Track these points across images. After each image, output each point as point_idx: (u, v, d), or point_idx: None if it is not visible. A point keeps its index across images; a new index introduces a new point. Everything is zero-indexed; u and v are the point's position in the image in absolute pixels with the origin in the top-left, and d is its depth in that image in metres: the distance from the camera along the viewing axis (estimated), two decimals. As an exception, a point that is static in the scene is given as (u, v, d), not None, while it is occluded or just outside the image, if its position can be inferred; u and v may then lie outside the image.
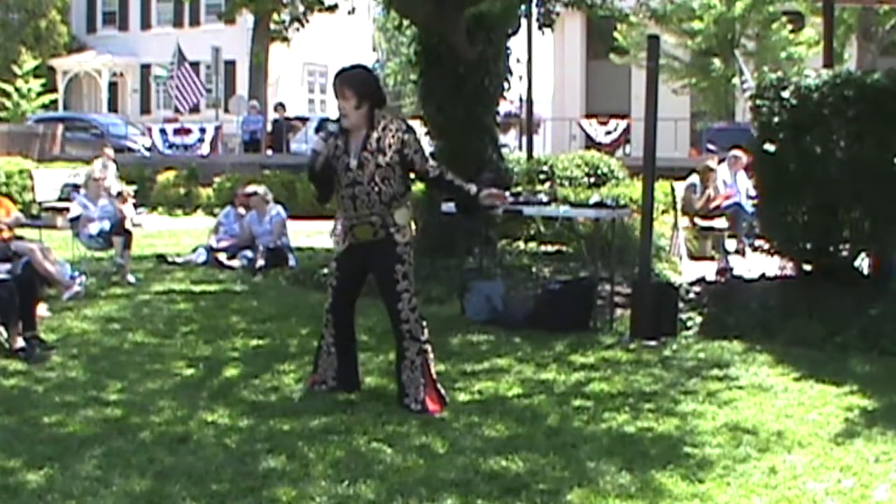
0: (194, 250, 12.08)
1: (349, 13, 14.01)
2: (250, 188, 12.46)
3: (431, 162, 5.78)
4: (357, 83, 5.68)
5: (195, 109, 27.30)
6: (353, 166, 5.64)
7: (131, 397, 5.96)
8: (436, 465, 4.74)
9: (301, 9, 12.29)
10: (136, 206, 17.70)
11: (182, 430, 5.29)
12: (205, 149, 24.27)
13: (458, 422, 5.44)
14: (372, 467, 4.68)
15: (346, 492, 4.38)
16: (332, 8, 12.85)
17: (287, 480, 4.52)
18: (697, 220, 12.10)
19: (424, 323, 5.73)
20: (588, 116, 27.27)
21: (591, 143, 24.31)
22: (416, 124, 11.22)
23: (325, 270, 10.24)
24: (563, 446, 5.00)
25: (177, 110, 28.23)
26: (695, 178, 12.26)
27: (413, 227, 5.86)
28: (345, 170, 5.67)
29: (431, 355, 5.75)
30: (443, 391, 5.74)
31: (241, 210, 12.17)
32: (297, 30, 12.58)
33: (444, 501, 4.29)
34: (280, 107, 27.66)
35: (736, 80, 17.97)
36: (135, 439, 5.10)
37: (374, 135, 5.65)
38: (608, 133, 24.54)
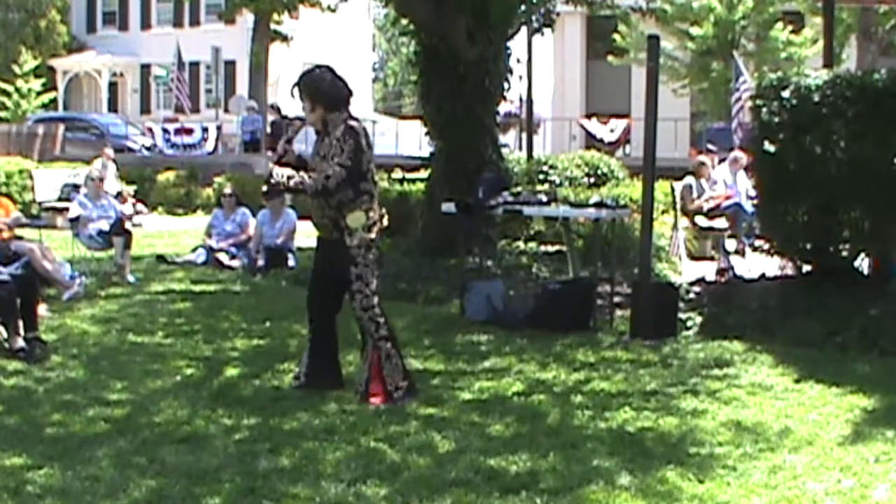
0: (194, 250, 12.09)
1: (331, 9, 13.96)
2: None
3: (334, 171, 5.58)
4: (307, 87, 5.80)
5: (182, 111, 27.32)
6: (311, 169, 5.78)
7: (132, 397, 5.96)
8: (437, 464, 4.74)
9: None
10: (135, 205, 17.70)
11: (183, 429, 5.30)
12: (209, 145, 24.28)
13: (459, 421, 5.45)
14: (373, 467, 4.69)
15: (347, 491, 4.39)
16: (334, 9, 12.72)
17: (288, 480, 4.52)
18: (697, 220, 12.10)
19: (381, 321, 5.80)
20: (588, 116, 27.26)
21: (592, 141, 24.31)
22: (416, 124, 11.26)
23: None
24: (564, 445, 5.00)
25: (177, 110, 28.23)
26: (690, 179, 12.28)
27: (376, 226, 5.78)
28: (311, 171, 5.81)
29: (388, 353, 5.79)
30: (391, 388, 5.77)
31: (261, 211, 12.08)
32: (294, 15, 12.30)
33: (445, 501, 4.30)
34: (274, 108, 27.64)
35: (732, 84, 17.93)
36: (135, 439, 5.11)
37: (326, 140, 5.75)
38: (612, 131, 24.56)
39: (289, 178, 5.69)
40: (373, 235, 5.76)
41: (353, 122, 5.73)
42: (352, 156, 5.64)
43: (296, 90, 5.82)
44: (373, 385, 5.77)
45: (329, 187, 5.64)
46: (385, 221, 5.90)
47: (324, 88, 5.77)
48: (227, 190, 12.93)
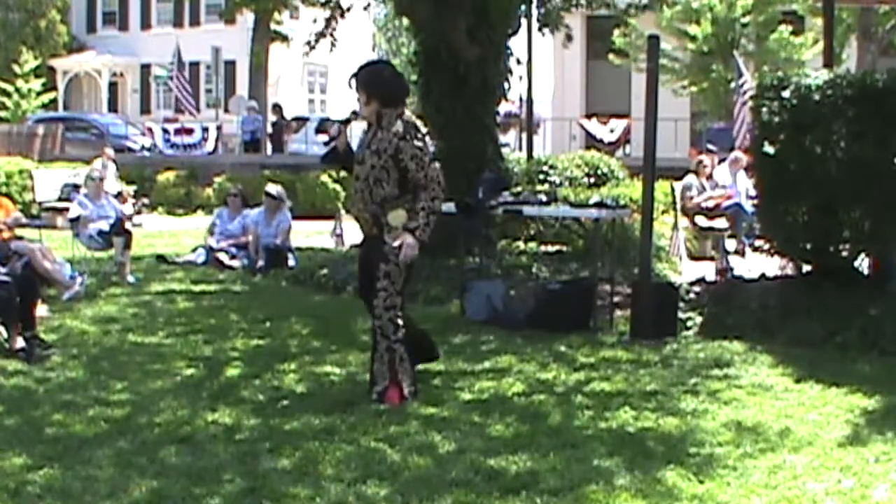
0: (194, 250, 12.09)
1: (365, 8, 13.88)
2: (270, 188, 12.36)
3: (428, 174, 5.62)
4: (365, 80, 5.82)
5: (182, 111, 27.42)
6: (358, 160, 5.84)
7: (132, 397, 5.96)
8: (437, 464, 4.74)
9: (323, 20, 11.89)
10: (135, 204, 17.69)
11: (183, 430, 5.30)
12: (209, 146, 24.28)
13: (460, 421, 5.45)
14: (373, 467, 4.69)
15: (348, 491, 4.39)
16: (349, 8, 12.59)
17: (288, 480, 4.52)
18: (697, 220, 12.12)
19: (401, 323, 5.78)
20: (588, 116, 27.24)
21: (592, 141, 24.29)
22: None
23: (325, 271, 10.28)
24: (565, 445, 5.00)
25: (178, 111, 28.24)
26: (690, 179, 12.31)
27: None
28: (357, 162, 5.86)
29: (402, 356, 5.78)
30: (406, 392, 5.79)
31: (256, 210, 12.06)
32: (331, 44, 12.06)
33: (445, 501, 4.30)
34: (277, 108, 27.66)
35: (734, 84, 17.94)
36: (136, 439, 5.11)
37: (379, 135, 5.76)
38: (612, 131, 24.55)
39: (424, 227, 5.64)
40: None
41: (413, 119, 5.76)
42: (427, 148, 5.68)
43: (353, 81, 5.84)
44: (391, 387, 5.77)
45: (444, 188, 5.70)
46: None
47: (381, 83, 5.80)
48: (234, 190, 12.87)
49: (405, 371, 5.81)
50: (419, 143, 5.68)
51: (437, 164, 5.73)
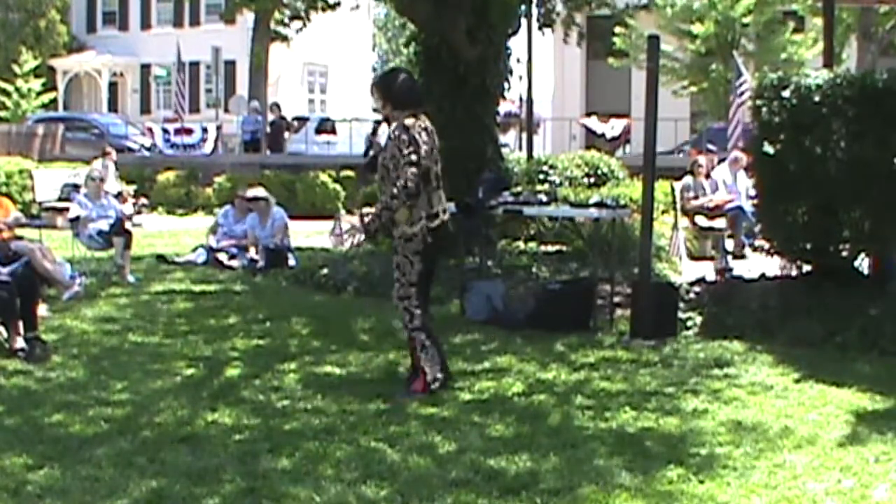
0: (194, 250, 12.08)
1: (352, 9, 13.95)
2: (252, 192, 12.37)
3: (400, 175, 5.74)
4: (379, 85, 6.22)
5: (178, 113, 27.47)
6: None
7: (132, 397, 5.96)
8: (437, 464, 4.75)
9: (302, 7, 12.01)
10: (136, 203, 17.70)
11: (183, 430, 5.30)
12: (208, 147, 24.28)
13: (460, 421, 5.45)
14: (373, 467, 4.69)
15: (347, 491, 4.39)
16: (334, 6, 12.62)
17: (288, 480, 4.53)
18: (697, 220, 12.11)
19: (417, 312, 5.94)
20: (587, 115, 27.24)
21: (593, 139, 24.27)
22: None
23: (325, 271, 10.28)
24: (565, 446, 5.01)
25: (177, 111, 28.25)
26: (688, 179, 12.31)
27: (422, 221, 5.89)
28: None
29: (423, 343, 5.95)
30: (429, 378, 5.94)
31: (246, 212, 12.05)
32: (299, 31, 12.22)
33: (445, 501, 4.30)
34: (275, 107, 27.67)
35: (734, 83, 17.90)
36: (135, 439, 5.11)
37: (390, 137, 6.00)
38: (613, 128, 24.54)
39: (374, 217, 5.87)
40: (415, 230, 5.87)
41: (408, 121, 5.90)
42: (414, 149, 5.79)
43: (374, 88, 6.21)
44: (416, 377, 5.97)
45: (410, 191, 5.77)
46: (440, 219, 6.00)
47: (393, 88, 6.08)
48: (250, 193, 12.83)
49: (429, 358, 5.95)
50: (401, 147, 5.79)
51: (413, 171, 5.75)
